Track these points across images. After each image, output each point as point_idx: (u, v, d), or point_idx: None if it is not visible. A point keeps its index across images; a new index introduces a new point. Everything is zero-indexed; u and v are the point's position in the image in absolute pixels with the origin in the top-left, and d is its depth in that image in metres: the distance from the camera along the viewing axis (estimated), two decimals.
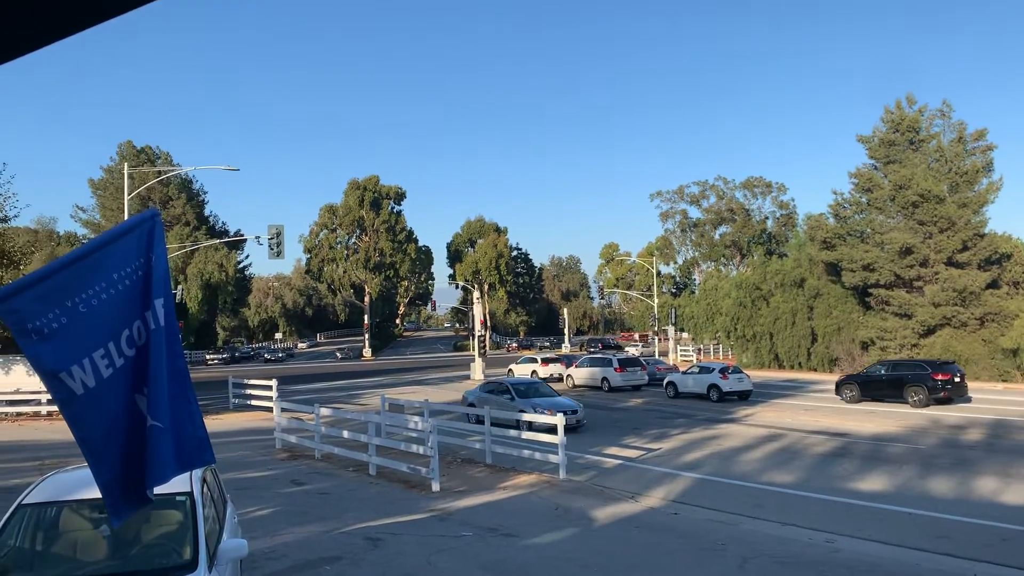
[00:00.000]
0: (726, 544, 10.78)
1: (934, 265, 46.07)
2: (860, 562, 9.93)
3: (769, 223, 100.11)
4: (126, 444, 3.56)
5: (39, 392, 26.41)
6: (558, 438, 15.77)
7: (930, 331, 46.03)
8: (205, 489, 6.75)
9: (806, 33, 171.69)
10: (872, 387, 30.97)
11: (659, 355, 60.95)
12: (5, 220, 28.30)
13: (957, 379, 29.50)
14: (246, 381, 31.91)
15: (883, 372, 31.03)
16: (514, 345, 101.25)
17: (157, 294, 3.58)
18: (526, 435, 16.84)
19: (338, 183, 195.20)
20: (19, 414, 27.55)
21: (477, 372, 48.35)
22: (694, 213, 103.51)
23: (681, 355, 67.57)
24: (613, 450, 19.73)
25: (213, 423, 26.75)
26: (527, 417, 19.44)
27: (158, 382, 3.55)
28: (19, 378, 27.46)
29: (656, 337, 72.10)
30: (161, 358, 3.56)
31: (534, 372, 44.87)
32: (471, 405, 24.59)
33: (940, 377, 29.15)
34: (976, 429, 23.17)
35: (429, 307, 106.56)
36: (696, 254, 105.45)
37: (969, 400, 31.41)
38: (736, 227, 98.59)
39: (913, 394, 29.31)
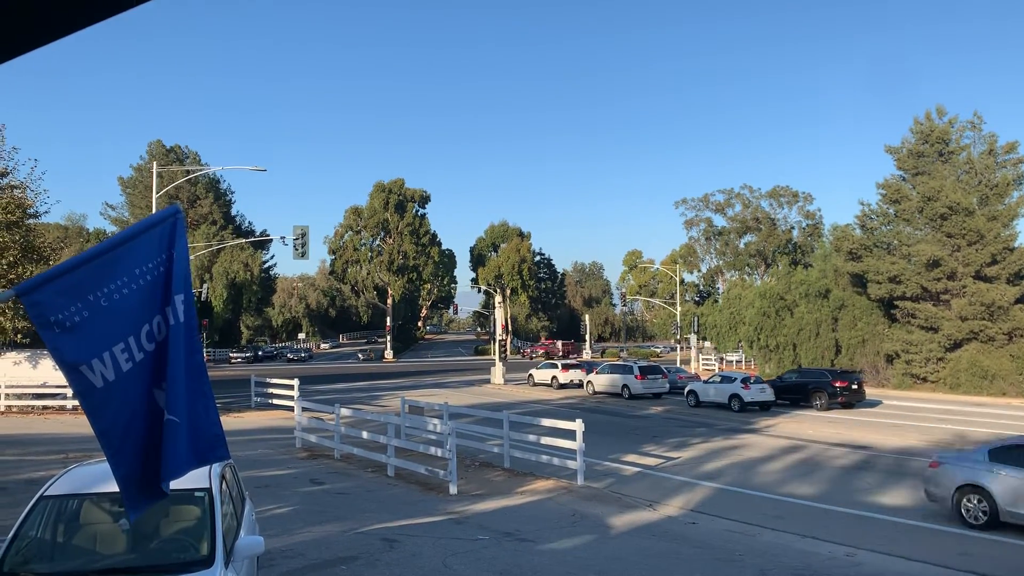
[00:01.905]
0: (744, 555, 10.66)
1: (962, 278, 45.42)
2: None
3: (795, 233, 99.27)
4: (144, 438, 3.58)
5: (64, 387, 26.77)
6: (577, 444, 15.72)
7: (956, 345, 45.37)
8: (224, 486, 6.79)
9: (836, 42, 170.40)
10: (785, 391, 34.18)
11: (680, 363, 60.62)
12: (36, 216, 28.74)
13: (855, 386, 33.45)
14: (268, 380, 32.15)
15: (794, 378, 34.69)
16: (532, 348, 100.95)
17: (177, 290, 3.60)
18: (545, 440, 16.80)
19: (363, 185, 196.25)
20: (45, 407, 27.93)
21: (497, 376, 48.38)
22: (719, 221, 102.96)
23: (703, 364, 67.10)
24: (632, 457, 19.63)
25: (235, 421, 26.98)
26: None
27: (176, 377, 3.57)
28: (46, 372, 27.83)
29: (679, 345, 71.65)
30: (179, 353, 3.58)
31: (554, 378, 44.83)
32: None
33: (839, 384, 32.98)
34: None
35: (451, 310, 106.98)
36: (720, 263, 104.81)
37: (872, 405, 35.29)
38: (761, 236, 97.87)
39: (817, 399, 32.93)
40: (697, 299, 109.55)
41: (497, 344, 51.75)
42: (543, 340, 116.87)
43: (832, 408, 32.66)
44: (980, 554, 11.11)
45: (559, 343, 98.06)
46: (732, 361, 69.88)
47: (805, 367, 42.17)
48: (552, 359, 62.41)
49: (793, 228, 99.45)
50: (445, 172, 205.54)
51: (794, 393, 33.73)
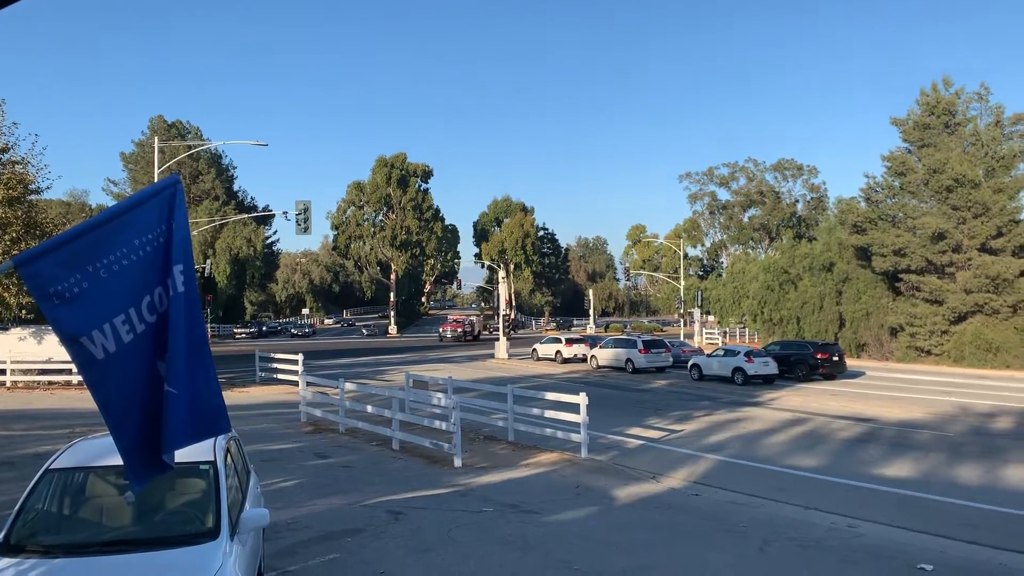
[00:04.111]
0: (747, 526, 10.72)
1: (967, 251, 45.25)
2: (884, 547, 9.83)
3: (799, 206, 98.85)
4: (146, 410, 3.57)
5: (69, 362, 26.87)
6: (581, 417, 15.76)
7: (961, 318, 45.32)
8: (228, 459, 6.81)
9: (841, 13, 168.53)
10: None
11: (684, 337, 60.71)
12: (38, 192, 28.67)
13: (835, 358, 34.37)
14: (273, 355, 32.28)
15: (776, 350, 35.29)
16: (550, 327, 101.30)
17: (177, 260, 3.57)
18: (549, 414, 16.86)
19: (366, 160, 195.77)
20: (51, 383, 28.08)
21: (501, 351, 48.48)
22: (723, 195, 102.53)
23: (706, 338, 67.15)
24: (636, 430, 19.70)
25: (240, 396, 27.10)
26: None
27: (175, 348, 3.55)
28: (51, 348, 27.93)
29: (683, 319, 71.75)
30: (179, 324, 3.56)
31: (558, 352, 44.91)
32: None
33: (820, 356, 33.94)
34: (1006, 417, 22.83)
35: (455, 286, 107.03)
36: (724, 237, 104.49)
37: (854, 376, 35.95)
38: (765, 210, 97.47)
39: (799, 370, 33.78)
40: (701, 273, 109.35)
41: (501, 319, 51.80)
42: (546, 317, 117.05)
43: (813, 379, 33.44)
44: (983, 524, 11.15)
45: (539, 321, 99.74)
46: (725, 332, 69.97)
47: (788, 339, 42.88)
48: (556, 334, 62.57)
49: (798, 201, 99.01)
50: (448, 147, 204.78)
51: (778, 365, 33.94)
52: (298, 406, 21.09)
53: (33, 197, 28.23)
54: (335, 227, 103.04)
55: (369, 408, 18.62)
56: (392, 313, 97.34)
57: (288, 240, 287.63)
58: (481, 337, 75.53)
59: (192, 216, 67.08)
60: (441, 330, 74.29)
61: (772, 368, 32.83)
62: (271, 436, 17.92)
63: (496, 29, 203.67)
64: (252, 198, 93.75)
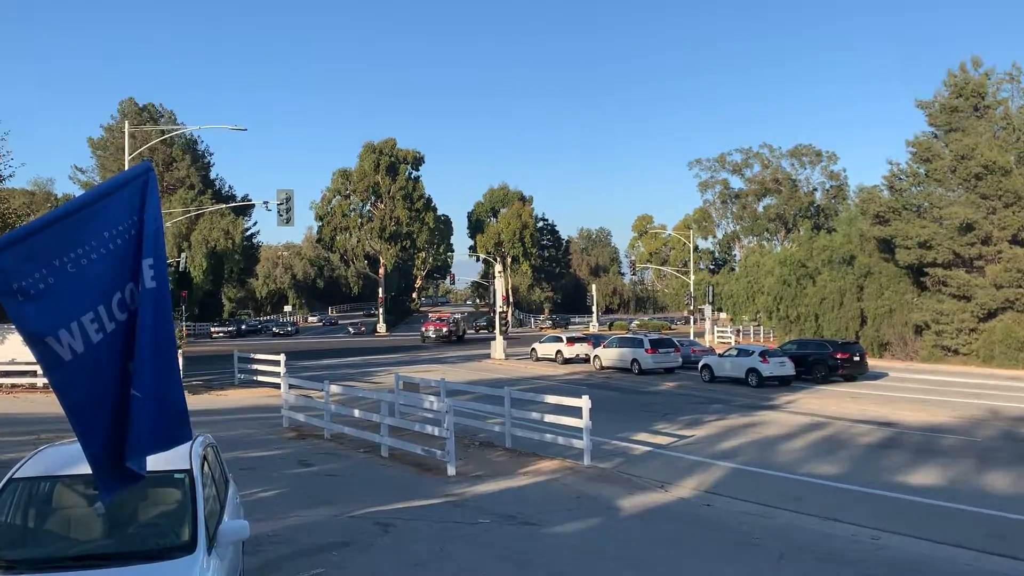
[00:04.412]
0: (761, 538, 10.74)
1: (997, 243, 45.30)
2: (908, 561, 9.85)
3: (817, 195, 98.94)
4: (117, 416, 3.56)
5: (35, 363, 26.86)
6: (583, 422, 15.77)
7: (991, 315, 45.39)
8: (206, 467, 6.80)
9: None
10: None
11: (694, 336, 60.76)
12: (0, 180, 28.63)
13: (857, 358, 34.55)
14: (252, 356, 32.24)
15: (793, 349, 35.45)
16: (546, 324, 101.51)
17: (147, 253, 3.55)
18: (549, 418, 16.87)
19: (353, 147, 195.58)
20: (14, 386, 28.05)
21: (498, 351, 48.55)
22: (736, 183, 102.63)
23: (718, 336, 67.26)
24: (642, 436, 19.74)
25: (217, 399, 27.09)
26: None
27: (141, 349, 3.53)
28: (14, 348, 27.85)
29: (692, 317, 71.72)
30: (147, 323, 3.54)
31: (559, 352, 44.98)
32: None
33: (840, 356, 34.11)
34: None
35: (448, 281, 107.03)
36: (737, 228, 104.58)
37: (876, 377, 35.99)
38: (781, 199, 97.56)
39: (817, 370, 33.92)
40: (712, 267, 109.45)
41: (498, 316, 51.86)
42: (546, 314, 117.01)
43: (832, 381, 33.69)
44: (1014, 535, 11.18)
45: (539, 319, 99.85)
46: (738, 330, 69.98)
47: (805, 338, 42.96)
48: (557, 333, 62.58)
49: (816, 190, 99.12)
50: (441, 133, 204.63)
51: (795, 365, 34.01)
52: (280, 410, 21.09)
53: None
54: (319, 218, 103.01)
55: (356, 412, 18.61)
56: (380, 310, 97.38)
57: (269, 232, 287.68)
58: (466, 337, 75.41)
59: (165, 206, 66.97)
60: (423, 329, 72.33)
61: (789, 369, 32.90)
62: (251, 442, 17.93)
63: (492, 9, 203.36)
64: (230, 187, 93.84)
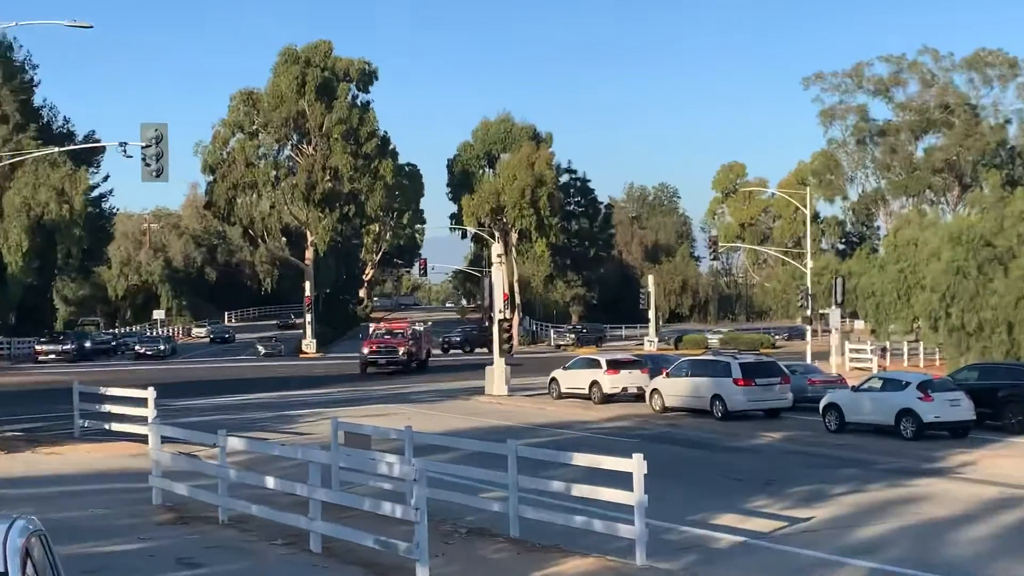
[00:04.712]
0: None
1: None
2: None
3: (1012, 131, 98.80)
4: None
5: None
6: (634, 496, 15.76)
7: None
8: (29, 568, 6.80)
9: None
10: None
11: (813, 358, 60.48)
12: None
13: None
14: (104, 391, 32.16)
15: (973, 380, 35.50)
16: (567, 339, 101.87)
17: None
18: (579, 491, 16.86)
19: (264, 57, 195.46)
20: None
21: (497, 382, 48.42)
22: (880, 112, 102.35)
23: (851, 358, 67.15)
24: (728, 518, 19.72)
25: (48, 460, 27.10)
26: None
27: None
28: None
29: (810, 327, 71.66)
30: None
31: (595, 385, 44.81)
32: None
33: None
34: None
35: (416, 270, 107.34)
36: (882, 184, 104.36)
37: None
38: (954, 136, 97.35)
39: (1011, 413, 33.70)
40: (842, 246, 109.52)
41: (496, 326, 51.77)
42: (574, 322, 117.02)
43: None
44: None
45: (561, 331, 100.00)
46: (883, 349, 69.80)
47: (991, 362, 42.79)
48: (590, 353, 62.71)
49: (1009, 121, 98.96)
50: (404, 37, 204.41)
51: (975, 404, 33.39)
52: (147, 478, 21.11)
53: None
54: (210, 169, 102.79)
55: (270, 482, 18.58)
56: (308, 317, 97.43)
57: (129, 192, 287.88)
58: (429, 362, 75.22)
59: None
60: (363, 351, 69.70)
61: (965, 411, 32.67)
62: (102, 530, 17.94)
63: None
64: (67, 121, 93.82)
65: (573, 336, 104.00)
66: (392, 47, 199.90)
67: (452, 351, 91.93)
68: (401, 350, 68.03)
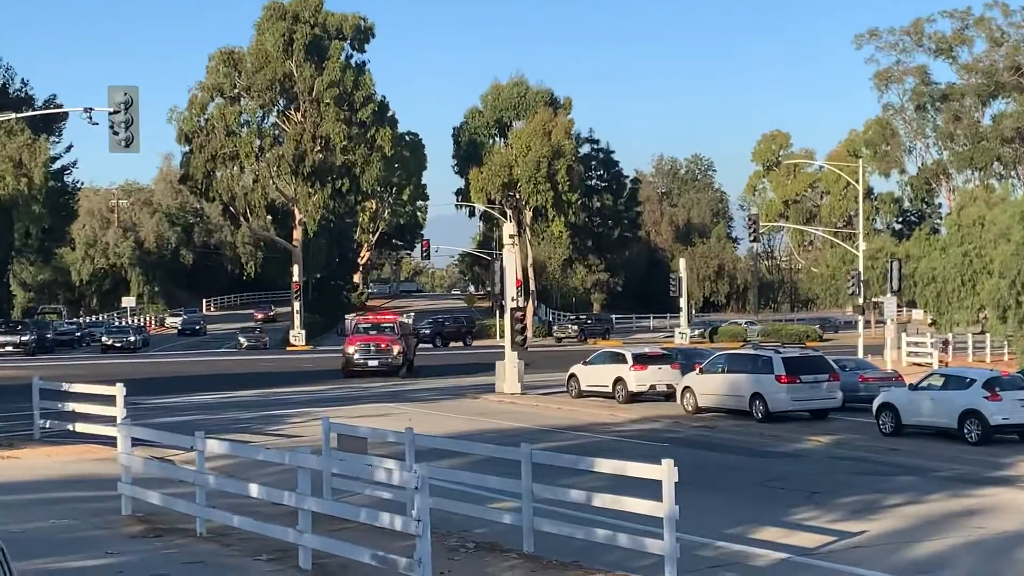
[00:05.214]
0: None
1: None
2: None
3: None
4: None
5: None
6: (664, 508, 15.75)
7: None
8: None
9: None
10: None
11: (865, 353, 60.36)
12: None
13: None
14: (67, 388, 32.22)
15: None
16: (570, 329, 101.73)
17: None
18: (601, 501, 16.85)
19: (246, 14, 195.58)
20: None
21: (509, 379, 48.42)
22: (943, 74, 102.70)
23: (909, 353, 67.08)
24: (770, 532, 19.73)
25: (5, 464, 27.14)
26: None
27: None
28: None
29: (862, 317, 71.51)
30: None
31: (620, 381, 44.78)
32: None
33: None
34: None
35: (417, 252, 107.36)
36: (944, 156, 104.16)
37: None
38: None
39: None
40: (898, 226, 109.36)
41: (508, 316, 51.77)
42: (595, 310, 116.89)
43: None
44: None
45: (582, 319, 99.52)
46: (945, 342, 69.64)
47: None
48: (613, 347, 62.79)
49: None
50: None
51: None
52: (116, 485, 21.15)
53: None
54: (186, 138, 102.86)
55: (254, 489, 18.61)
56: (296, 305, 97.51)
57: (95, 164, 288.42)
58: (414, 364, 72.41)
59: None
60: (347, 350, 64.31)
61: None
62: (65, 543, 17.99)
63: None
64: (25, 84, 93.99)
65: (576, 327, 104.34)
66: (390, 0, 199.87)
67: (420, 345, 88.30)
68: (396, 349, 63.13)
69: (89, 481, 24.37)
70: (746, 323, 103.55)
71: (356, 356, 62.36)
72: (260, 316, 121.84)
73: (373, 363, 61.86)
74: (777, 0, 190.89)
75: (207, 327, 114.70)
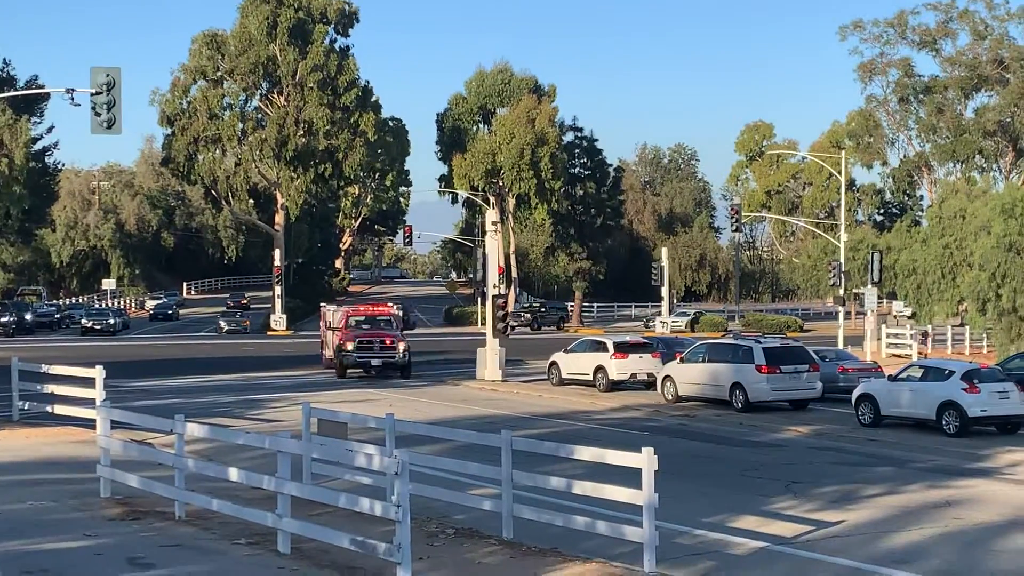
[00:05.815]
0: None
1: None
2: None
3: None
4: None
5: None
6: (643, 495, 15.80)
7: None
8: None
9: None
10: None
11: (845, 344, 60.55)
12: None
13: None
14: (45, 369, 32.17)
15: None
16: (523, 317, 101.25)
17: None
18: (581, 488, 16.88)
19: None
20: None
21: (490, 366, 48.47)
22: (926, 66, 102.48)
23: (889, 344, 67.26)
24: (748, 521, 19.79)
25: None
26: None
27: None
28: None
29: (842, 308, 71.66)
30: None
31: (600, 370, 44.87)
32: None
33: None
34: None
35: (400, 238, 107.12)
36: (926, 148, 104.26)
37: None
38: (1009, 95, 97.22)
39: None
40: (880, 218, 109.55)
41: (491, 305, 51.79)
42: (577, 302, 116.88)
43: None
44: None
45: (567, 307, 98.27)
46: (924, 333, 69.85)
47: None
48: (594, 335, 62.81)
49: None
50: None
51: None
52: (95, 467, 21.13)
53: None
54: (168, 121, 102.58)
55: (234, 473, 18.60)
56: (278, 290, 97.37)
57: (76, 145, 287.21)
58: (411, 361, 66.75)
59: None
60: (345, 346, 55.28)
61: (1015, 404, 32.87)
62: (43, 525, 17.97)
63: None
64: (7, 64, 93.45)
65: (528, 315, 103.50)
66: None
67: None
68: (402, 347, 54.84)
69: (68, 463, 24.35)
70: (727, 314, 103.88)
71: (356, 355, 54.41)
72: (232, 304, 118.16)
73: (377, 362, 54.66)
74: None
75: (184, 311, 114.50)
